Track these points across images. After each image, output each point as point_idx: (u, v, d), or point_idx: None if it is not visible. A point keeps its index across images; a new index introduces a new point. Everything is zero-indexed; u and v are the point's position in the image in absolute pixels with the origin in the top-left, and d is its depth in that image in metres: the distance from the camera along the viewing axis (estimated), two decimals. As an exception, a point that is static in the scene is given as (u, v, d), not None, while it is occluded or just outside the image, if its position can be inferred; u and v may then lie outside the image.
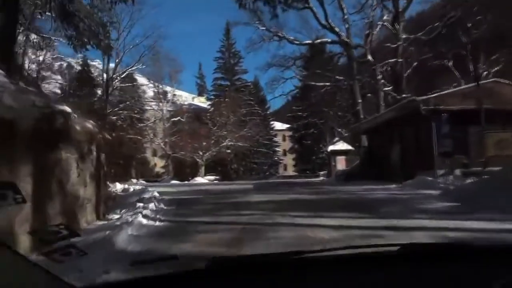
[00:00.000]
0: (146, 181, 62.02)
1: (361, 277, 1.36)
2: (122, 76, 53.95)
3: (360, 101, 32.61)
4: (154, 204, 11.11)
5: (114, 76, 51.92)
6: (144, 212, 9.46)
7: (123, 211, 10.35)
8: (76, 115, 8.15)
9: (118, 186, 21.78)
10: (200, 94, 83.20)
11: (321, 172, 51.70)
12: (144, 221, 8.50)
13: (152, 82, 60.41)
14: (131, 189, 19.24)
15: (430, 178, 16.67)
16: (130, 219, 8.33)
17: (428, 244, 2.19)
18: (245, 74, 71.64)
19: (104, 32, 18.31)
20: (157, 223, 8.55)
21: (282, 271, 1.41)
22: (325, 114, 52.99)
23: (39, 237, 1.48)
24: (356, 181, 22.61)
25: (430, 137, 18.85)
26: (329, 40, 36.56)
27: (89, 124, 9.61)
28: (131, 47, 49.93)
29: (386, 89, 31.60)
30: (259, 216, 8.58)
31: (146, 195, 13.82)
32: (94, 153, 9.89)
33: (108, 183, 23.00)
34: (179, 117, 60.12)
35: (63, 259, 1.26)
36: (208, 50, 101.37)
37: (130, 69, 53.52)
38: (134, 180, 61.08)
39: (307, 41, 37.22)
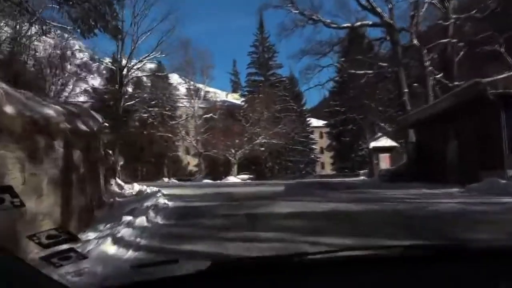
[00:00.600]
0: (178, 179, 60.58)
1: (361, 278, 1.37)
2: (139, 66, 50.37)
3: (406, 90, 28.99)
4: (147, 217, 8.47)
5: (130, 65, 48.23)
6: (123, 232, 6.83)
7: (105, 226, 7.79)
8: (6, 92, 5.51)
9: (136, 187, 19.52)
10: (234, 91, 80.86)
11: (361, 171, 48.25)
12: (112, 249, 5.83)
13: (183, 77, 58.39)
14: (147, 191, 16.77)
15: (503, 181, 13.34)
16: (90, 247, 5.67)
17: (428, 245, 2.13)
18: (280, 69, 68.54)
19: (111, 11, 15.94)
20: (130, 253, 5.83)
21: (283, 273, 1.42)
22: (365, 108, 49.22)
23: (37, 241, 1.37)
24: (403, 182, 19.44)
25: (499, 129, 15.47)
26: (370, 22, 32.76)
27: (49, 110, 7.04)
28: (147, 33, 46.40)
29: (437, 76, 27.82)
30: (281, 245, 5.73)
31: (150, 202, 11.29)
32: (60, 150, 7.34)
33: (122, 183, 20.98)
34: (211, 114, 57.98)
35: (62, 263, 1.31)
36: (243, 46, 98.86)
37: (147, 58, 49.99)
38: (166, 180, 59.76)
39: (346, 24, 33.31)
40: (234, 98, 75.37)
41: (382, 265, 1.46)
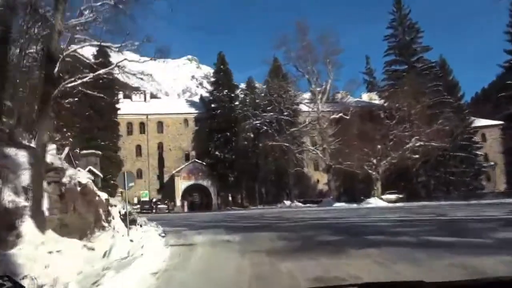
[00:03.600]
0: (303, 202, 47.74)
1: None
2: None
3: None
4: None
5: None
6: None
7: None
8: None
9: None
10: (370, 91, 65.04)
11: None
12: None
13: (300, 70, 45.55)
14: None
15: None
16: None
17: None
18: (427, 52, 52.01)
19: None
20: None
21: None
22: None
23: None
24: None
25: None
26: None
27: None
28: None
29: None
30: None
31: None
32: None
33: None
34: (341, 114, 44.12)
35: None
36: (374, 39, 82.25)
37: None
38: (287, 203, 47.25)
39: None
40: (370, 99, 60.46)
41: None
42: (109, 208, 10.72)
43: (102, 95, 28.34)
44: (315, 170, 58.36)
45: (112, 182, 49.24)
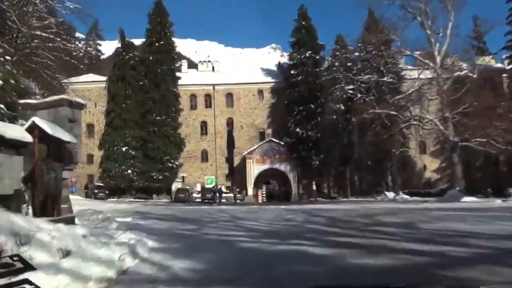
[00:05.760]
0: (410, 194, 36.06)
1: None
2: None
3: None
4: None
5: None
6: None
7: None
8: None
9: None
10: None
11: None
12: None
13: (410, 11, 33.01)
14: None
15: None
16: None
17: None
18: None
19: None
20: None
21: None
22: None
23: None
24: None
25: None
26: None
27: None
28: None
29: None
30: None
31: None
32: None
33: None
34: (465, 71, 31.13)
35: None
36: None
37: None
38: (390, 194, 35.81)
39: None
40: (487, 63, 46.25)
41: None
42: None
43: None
44: (421, 153, 45.93)
45: (169, 165, 41.19)
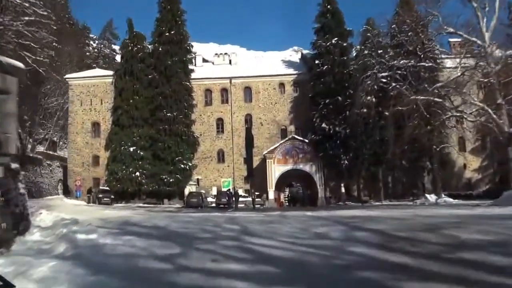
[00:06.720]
0: (453, 196, 31.93)
1: None
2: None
3: None
4: None
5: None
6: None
7: None
8: None
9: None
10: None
11: None
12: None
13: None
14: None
15: None
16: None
17: None
18: None
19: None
20: None
21: None
22: None
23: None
24: None
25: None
26: None
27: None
28: None
29: None
30: None
31: None
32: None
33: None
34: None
35: None
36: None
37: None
38: (432, 197, 31.54)
39: None
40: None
41: None
42: None
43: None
44: (460, 151, 41.18)
45: (182, 166, 37.51)
